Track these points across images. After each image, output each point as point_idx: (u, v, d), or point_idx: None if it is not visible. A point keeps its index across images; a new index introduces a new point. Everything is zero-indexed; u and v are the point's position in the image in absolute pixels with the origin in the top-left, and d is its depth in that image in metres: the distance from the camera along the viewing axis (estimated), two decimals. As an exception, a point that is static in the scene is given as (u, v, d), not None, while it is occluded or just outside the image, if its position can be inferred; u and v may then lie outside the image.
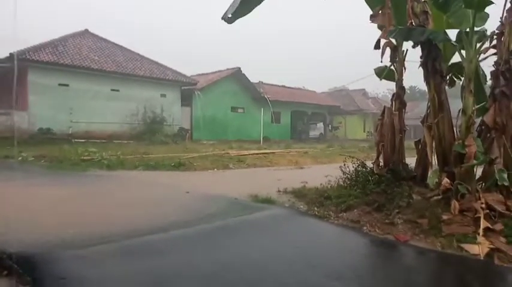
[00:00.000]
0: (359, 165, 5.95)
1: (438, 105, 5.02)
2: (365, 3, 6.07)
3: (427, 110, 5.37)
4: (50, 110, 18.20)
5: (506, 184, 4.30)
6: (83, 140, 17.74)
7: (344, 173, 6.01)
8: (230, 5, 5.09)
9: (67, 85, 19.24)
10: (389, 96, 6.40)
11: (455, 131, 5.00)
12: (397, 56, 5.96)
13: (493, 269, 3.09)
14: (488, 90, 5.08)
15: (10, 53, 17.06)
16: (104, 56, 21.80)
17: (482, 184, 4.53)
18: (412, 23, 5.22)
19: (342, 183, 5.97)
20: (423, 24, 5.09)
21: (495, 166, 4.50)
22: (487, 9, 4.98)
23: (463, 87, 5.00)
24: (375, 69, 6.41)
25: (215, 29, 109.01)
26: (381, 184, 5.26)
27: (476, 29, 4.95)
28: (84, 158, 11.10)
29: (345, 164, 6.06)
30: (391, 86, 6.34)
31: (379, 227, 4.15)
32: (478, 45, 5.02)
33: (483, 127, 4.81)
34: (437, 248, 3.52)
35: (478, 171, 4.76)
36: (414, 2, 5.24)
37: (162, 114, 22.34)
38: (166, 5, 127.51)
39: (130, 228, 3.97)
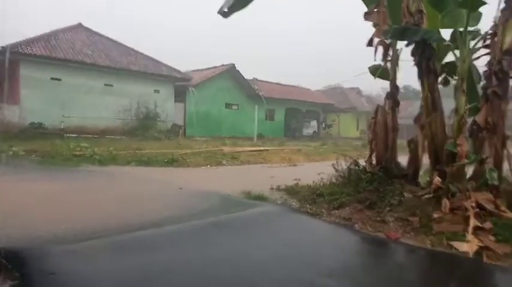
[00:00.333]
0: (352, 163, 5.97)
1: (431, 104, 5.04)
2: (361, 1, 6.08)
3: (420, 109, 5.39)
4: (42, 105, 18.01)
5: (496, 183, 4.34)
6: (75, 135, 17.59)
7: (337, 171, 6.03)
8: (226, -1, 5.07)
9: (59, 79, 19.06)
10: (383, 95, 6.43)
11: (447, 130, 5.03)
12: (392, 55, 5.98)
13: (481, 267, 3.12)
14: (481, 90, 5.11)
15: (2, 46, 16.87)
16: (98, 50, 21.61)
17: (473, 183, 4.57)
18: (407, 22, 5.23)
19: (334, 181, 5.99)
20: (418, 24, 5.11)
21: (486, 165, 4.54)
22: (481, 9, 5.03)
23: (456, 86, 5.03)
24: (369, 68, 6.42)
25: (210, 24, 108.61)
26: (373, 182, 5.28)
27: (470, 29, 4.99)
28: (76, 153, 11.02)
29: (337, 162, 6.08)
30: (386, 84, 6.36)
31: (371, 225, 4.17)
32: (472, 45, 5.06)
33: (475, 127, 4.84)
34: (427, 246, 3.54)
35: (470, 170, 4.80)
36: (409, 0, 5.24)
37: (156, 110, 22.20)
38: (160, 0, 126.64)
39: (122, 223, 3.95)
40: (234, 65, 27.96)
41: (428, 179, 5.13)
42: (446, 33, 5.34)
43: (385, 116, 5.95)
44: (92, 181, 7.15)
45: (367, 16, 6.07)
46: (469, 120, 4.96)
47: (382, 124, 5.94)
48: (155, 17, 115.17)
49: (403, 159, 5.88)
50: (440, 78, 5.42)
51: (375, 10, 5.89)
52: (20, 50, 17.50)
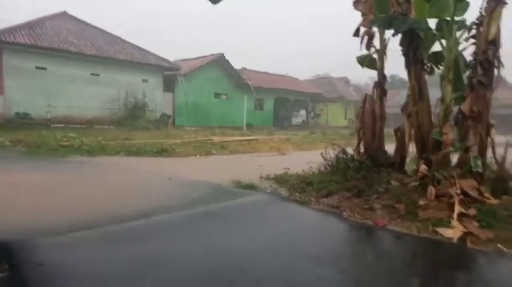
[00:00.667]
0: (340, 152, 6.04)
1: (418, 93, 5.11)
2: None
3: (407, 98, 5.46)
4: (28, 94, 17.67)
5: (480, 170, 4.45)
6: (62, 125, 17.33)
7: (325, 159, 6.09)
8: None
9: (45, 69, 18.70)
10: (371, 84, 6.48)
11: (433, 119, 5.11)
12: (379, 45, 6.02)
13: (465, 252, 3.22)
14: (466, 80, 5.18)
15: (-16, 34, 16.43)
16: (84, 39, 21.15)
17: (458, 170, 4.67)
18: (394, 11, 5.26)
19: (323, 169, 6.06)
20: (406, 13, 5.13)
21: (470, 153, 4.63)
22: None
23: (442, 76, 5.10)
24: (357, 58, 6.45)
25: (199, 13, 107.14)
26: (361, 170, 5.36)
27: (456, 18, 5.04)
28: (64, 143, 10.87)
29: (326, 151, 6.13)
30: (374, 74, 6.41)
31: (359, 213, 4.24)
32: (458, 34, 5.12)
33: (460, 115, 4.93)
34: (414, 233, 3.63)
35: (455, 158, 4.90)
36: (397, -11, 5.26)
37: (144, 99, 21.93)
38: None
39: (112, 214, 3.95)
40: (223, 54, 27.73)
41: (414, 167, 5.22)
42: (433, 23, 5.38)
43: (372, 105, 6.01)
44: (80, 172, 7.09)
45: (356, 5, 6.09)
46: (455, 109, 5.05)
47: (370, 113, 6.00)
48: (143, 7, 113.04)
49: (390, 147, 5.96)
50: (426, 68, 5.48)
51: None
52: (3, 39, 17.04)
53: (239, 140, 14.51)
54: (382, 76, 6.10)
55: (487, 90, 4.79)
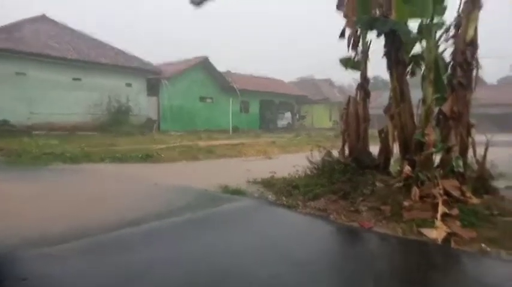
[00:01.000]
0: (325, 154, 6.07)
1: (400, 95, 5.18)
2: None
3: (390, 100, 5.52)
4: (7, 101, 17.25)
5: (461, 170, 4.53)
6: (43, 132, 16.99)
7: (311, 162, 6.11)
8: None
9: (24, 74, 18.28)
10: (355, 86, 6.54)
11: (415, 120, 5.18)
12: (362, 46, 6.07)
13: (449, 253, 3.26)
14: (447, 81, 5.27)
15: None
16: (64, 43, 20.78)
17: (440, 170, 4.74)
18: (376, 12, 5.32)
19: (309, 172, 6.08)
20: (386, 15, 5.19)
21: (452, 153, 4.71)
22: (448, 1, 5.17)
23: (423, 77, 5.18)
24: (340, 60, 6.50)
25: (180, 14, 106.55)
26: (346, 172, 5.39)
27: (436, 20, 5.12)
28: (46, 151, 10.65)
29: (311, 154, 6.16)
30: (357, 75, 6.46)
31: (345, 215, 4.27)
32: (438, 36, 5.21)
33: (441, 116, 5.01)
34: (399, 234, 3.67)
35: (437, 159, 4.97)
36: (378, -9, 5.32)
37: (128, 104, 21.68)
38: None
39: (97, 223, 3.88)
40: (207, 57, 27.68)
41: (398, 168, 5.28)
42: (415, 25, 5.46)
43: (356, 107, 6.06)
44: (64, 180, 6.94)
45: (339, 7, 6.14)
46: (436, 109, 5.13)
47: (354, 115, 6.05)
48: (124, 9, 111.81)
49: (375, 149, 6.02)
50: (408, 69, 5.56)
51: (347, 1, 5.95)
52: (-20, 44, 16.66)
53: (225, 144, 14.48)
54: (364, 78, 6.15)
55: (467, 91, 4.88)
